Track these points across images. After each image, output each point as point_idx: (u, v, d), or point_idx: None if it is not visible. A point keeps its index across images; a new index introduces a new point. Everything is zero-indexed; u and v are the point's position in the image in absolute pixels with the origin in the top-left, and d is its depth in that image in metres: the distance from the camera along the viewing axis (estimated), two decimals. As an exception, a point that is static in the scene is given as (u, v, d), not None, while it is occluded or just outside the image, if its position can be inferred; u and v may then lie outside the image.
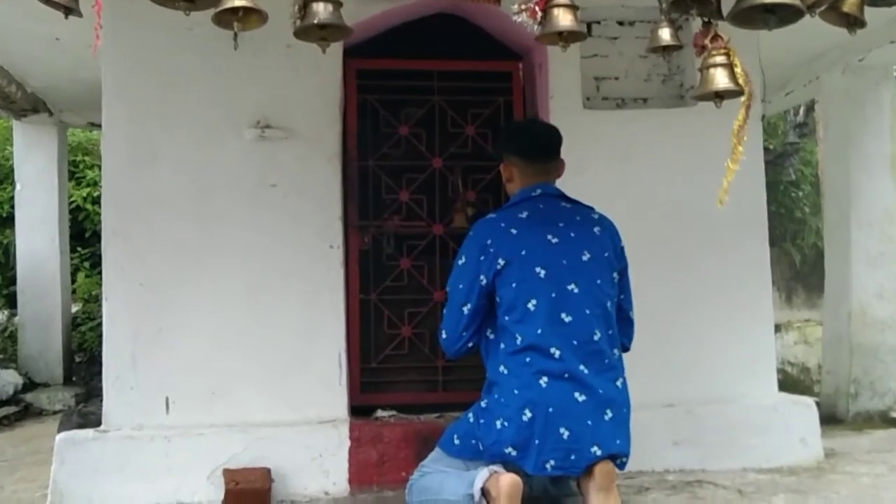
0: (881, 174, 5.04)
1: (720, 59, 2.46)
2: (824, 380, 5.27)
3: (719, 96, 2.53)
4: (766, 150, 4.41)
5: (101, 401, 3.45)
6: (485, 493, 2.42)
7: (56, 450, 3.31)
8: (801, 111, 8.19)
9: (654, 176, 3.81)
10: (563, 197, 2.80)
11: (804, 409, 3.80)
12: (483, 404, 2.62)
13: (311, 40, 2.40)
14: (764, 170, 3.96)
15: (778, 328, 6.05)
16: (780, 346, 5.89)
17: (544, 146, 2.81)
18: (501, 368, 2.55)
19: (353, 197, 3.80)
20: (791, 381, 6.30)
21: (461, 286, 2.65)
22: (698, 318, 3.79)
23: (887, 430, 4.60)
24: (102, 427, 3.40)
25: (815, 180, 8.38)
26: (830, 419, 4.74)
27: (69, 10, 2.04)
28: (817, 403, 3.95)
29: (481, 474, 2.45)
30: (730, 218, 3.63)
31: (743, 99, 2.47)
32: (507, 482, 2.38)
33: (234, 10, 2.13)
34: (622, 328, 2.74)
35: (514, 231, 2.63)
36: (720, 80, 2.46)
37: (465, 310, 2.64)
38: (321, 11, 2.24)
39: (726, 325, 3.80)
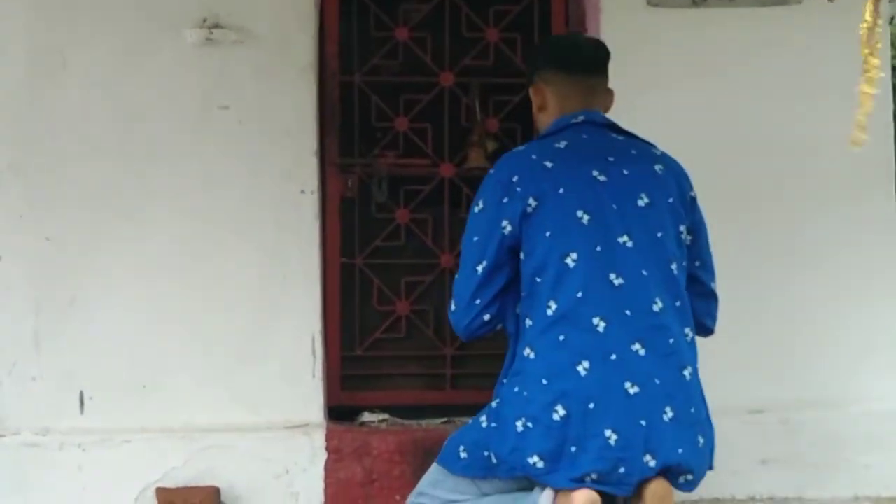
0: None
1: (836, -68, 2.41)
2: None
3: (834, -15, 2.47)
4: (893, 68, 4.33)
5: (-6, 396, 3.48)
6: None
7: (-69, 460, 3.35)
8: (944, 16, 8.11)
9: (743, 98, 3.78)
10: (613, 127, 2.77)
11: (939, 418, 3.80)
12: (494, 404, 2.59)
13: None
14: (891, 95, 3.91)
15: (904, 311, 6.03)
16: (906, 336, 5.87)
17: (589, 57, 2.80)
18: (527, 352, 2.52)
19: (332, 124, 3.78)
20: (920, 382, 6.28)
21: (476, 238, 2.62)
22: (798, 296, 3.76)
23: None
24: (-5, 430, 3.44)
25: (959, 111, 8.29)
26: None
27: None
28: (957, 412, 3.93)
29: (545, 495, 2.40)
30: (843, 161, 3.56)
31: (868, -9, 2.41)
32: (583, 499, 2.33)
33: None
34: (702, 306, 2.72)
35: (548, 164, 2.60)
36: (837, -39, 2.40)
37: (480, 269, 2.60)
38: None
39: (836, 305, 3.77)
